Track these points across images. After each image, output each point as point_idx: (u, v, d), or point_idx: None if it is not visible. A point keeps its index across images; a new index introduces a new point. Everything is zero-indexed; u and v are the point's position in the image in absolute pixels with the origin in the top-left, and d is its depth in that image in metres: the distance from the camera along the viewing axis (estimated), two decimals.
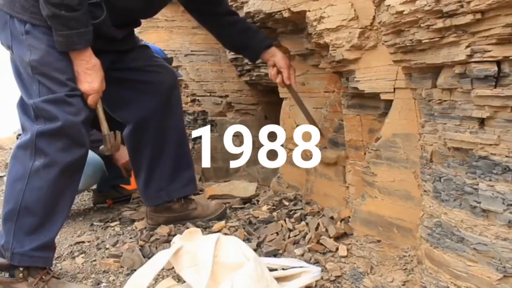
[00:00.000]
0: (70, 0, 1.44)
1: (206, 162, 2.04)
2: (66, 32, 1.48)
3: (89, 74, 1.55)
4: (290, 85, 1.87)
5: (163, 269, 1.52)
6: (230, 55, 2.59)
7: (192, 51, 2.99)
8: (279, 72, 1.88)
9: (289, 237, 1.75)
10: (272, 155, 2.02)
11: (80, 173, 1.60)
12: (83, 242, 1.96)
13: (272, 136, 2.28)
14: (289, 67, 1.87)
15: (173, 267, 1.48)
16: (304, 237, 1.73)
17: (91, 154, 2.24)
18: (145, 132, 1.91)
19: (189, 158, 2.03)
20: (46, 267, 1.52)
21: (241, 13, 2.22)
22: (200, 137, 2.86)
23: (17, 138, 2.42)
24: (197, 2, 1.94)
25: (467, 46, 0.91)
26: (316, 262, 1.54)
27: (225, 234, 1.78)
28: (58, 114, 1.47)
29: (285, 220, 1.88)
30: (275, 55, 1.89)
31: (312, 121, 1.90)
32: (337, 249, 1.59)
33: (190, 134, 2.80)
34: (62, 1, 1.43)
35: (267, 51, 1.91)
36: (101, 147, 1.73)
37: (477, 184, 0.95)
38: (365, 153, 1.64)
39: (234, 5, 2.34)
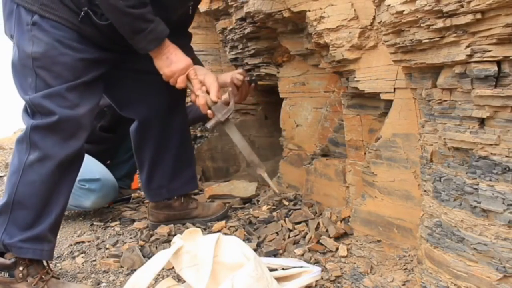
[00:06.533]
0: None
1: None
2: (151, 26, 1.53)
3: (175, 55, 1.63)
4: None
5: (163, 269, 1.52)
6: (230, 55, 2.58)
7: None
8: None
9: (289, 237, 1.75)
10: (273, 154, 2.03)
11: (77, 167, 1.56)
12: (83, 242, 1.96)
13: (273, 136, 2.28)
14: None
15: (173, 267, 1.48)
16: (304, 237, 1.73)
17: (109, 176, 2.25)
18: (150, 129, 1.92)
19: (191, 156, 2.04)
20: (37, 259, 1.48)
21: (241, 13, 2.22)
22: (200, 137, 2.87)
23: None
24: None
25: (467, 46, 0.91)
26: (316, 262, 1.54)
27: (225, 234, 1.78)
28: (55, 109, 1.44)
29: (285, 220, 1.88)
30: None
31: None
32: (337, 249, 1.59)
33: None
34: (136, 0, 1.48)
35: None
36: (209, 122, 1.74)
37: (477, 184, 0.95)
38: (365, 153, 1.64)
39: (234, 5, 2.34)
